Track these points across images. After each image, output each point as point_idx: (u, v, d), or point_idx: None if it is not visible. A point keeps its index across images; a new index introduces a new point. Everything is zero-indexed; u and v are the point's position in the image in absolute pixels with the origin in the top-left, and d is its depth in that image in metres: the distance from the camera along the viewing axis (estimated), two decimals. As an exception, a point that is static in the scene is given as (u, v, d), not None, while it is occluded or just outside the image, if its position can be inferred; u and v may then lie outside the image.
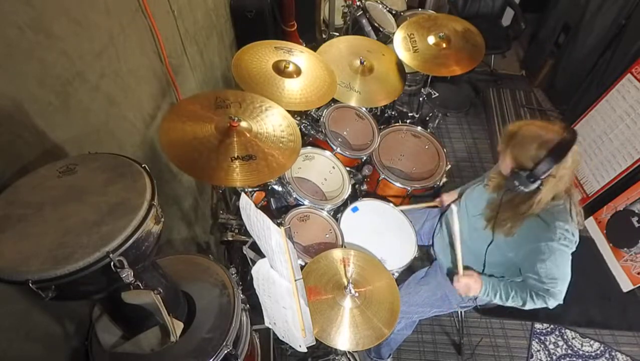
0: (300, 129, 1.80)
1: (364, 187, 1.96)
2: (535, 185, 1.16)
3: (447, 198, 1.76)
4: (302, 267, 1.36)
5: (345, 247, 1.56)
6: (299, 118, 1.96)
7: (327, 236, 1.66)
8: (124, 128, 1.22)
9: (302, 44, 2.36)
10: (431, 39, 2.00)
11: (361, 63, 1.95)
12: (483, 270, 1.45)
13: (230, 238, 1.71)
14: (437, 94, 2.32)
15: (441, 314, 1.64)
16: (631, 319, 2.21)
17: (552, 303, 1.29)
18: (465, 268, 1.45)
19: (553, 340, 2.14)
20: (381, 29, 2.43)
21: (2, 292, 0.77)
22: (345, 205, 1.74)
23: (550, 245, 1.22)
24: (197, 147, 1.18)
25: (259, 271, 1.15)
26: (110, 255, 0.66)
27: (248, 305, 1.25)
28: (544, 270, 1.24)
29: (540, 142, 1.13)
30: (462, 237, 1.48)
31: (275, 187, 1.70)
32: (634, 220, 2.24)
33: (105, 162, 0.82)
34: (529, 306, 1.32)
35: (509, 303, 1.36)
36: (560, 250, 1.22)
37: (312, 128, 1.93)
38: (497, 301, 1.37)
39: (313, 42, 2.81)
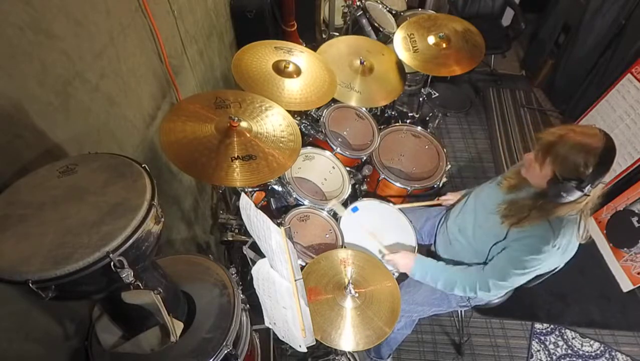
0: (300, 129, 1.80)
1: (364, 187, 1.96)
2: (580, 193, 1.14)
3: (452, 197, 1.77)
4: (302, 268, 1.36)
5: (345, 247, 1.56)
6: (299, 118, 1.96)
7: (327, 236, 1.66)
8: (124, 128, 1.22)
9: (302, 44, 2.36)
10: (431, 39, 2.00)
11: (361, 63, 1.95)
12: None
13: (230, 238, 1.71)
14: (437, 94, 2.32)
15: (441, 313, 1.65)
16: (631, 319, 2.21)
17: (480, 295, 1.37)
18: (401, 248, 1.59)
19: (553, 340, 2.14)
20: (381, 29, 2.43)
21: (2, 292, 0.77)
22: (345, 205, 1.74)
23: (541, 247, 1.23)
24: (197, 147, 1.18)
25: (259, 271, 1.15)
26: (110, 255, 0.66)
27: (248, 305, 1.25)
28: (505, 261, 1.29)
29: (587, 151, 1.10)
30: (467, 233, 1.49)
31: (275, 187, 1.70)
32: (634, 220, 2.24)
33: (105, 162, 0.82)
34: (458, 292, 1.42)
35: (438, 287, 1.46)
36: (547, 257, 1.24)
37: (312, 128, 1.93)
38: (427, 283, 1.48)
39: (313, 42, 2.81)
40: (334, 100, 1.89)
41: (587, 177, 1.10)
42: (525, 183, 1.30)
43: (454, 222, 1.59)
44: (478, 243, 1.45)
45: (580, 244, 1.28)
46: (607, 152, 1.10)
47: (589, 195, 1.15)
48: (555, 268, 1.35)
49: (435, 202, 1.84)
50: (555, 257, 1.25)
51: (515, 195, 1.34)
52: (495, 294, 1.37)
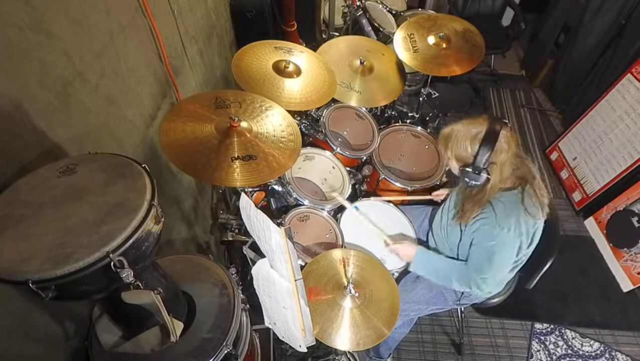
0: (300, 129, 1.80)
1: (364, 187, 1.96)
2: (484, 177, 1.22)
3: (443, 192, 1.81)
4: (302, 267, 1.36)
5: (345, 247, 1.56)
6: (299, 118, 1.96)
7: (327, 236, 1.66)
8: (124, 128, 1.22)
9: (302, 44, 2.36)
10: (431, 39, 2.00)
11: (361, 63, 1.95)
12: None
13: (230, 238, 1.71)
14: (437, 94, 2.32)
15: (438, 312, 1.65)
16: (631, 319, 2.21)
17: (475, 291, 1.37)
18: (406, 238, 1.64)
19: (553, 340, 2.14)
20: (381, 29, 2.43)
21: (2, 292, 0.77)
22: (345, 205, 1.74)
23: (492, 232, 1.27)
24: (197, 147, 1.18)
25: (259, 271, 1.15)
26: (110, 255, 0.66)
27: (248, 305, 1.25)
28: (476, 254, 1.33)
29: (471, 136, 1.22)
30: (444, 230, 1.54)
31: (275, 187, 1.70)
32: (634, 220, 2.24)
33: (105, 162, 0.82)
34: (455, 287, 1.42)
35: (437, 281, 1.48)
36: (502, 239, 1.26)
37: (312, 128, 1.93)
38: (425, 276, 1.50)
39: (313, 42, 2.81)
40: (334, 100, 1.89)
41: (476, 159, 1.19)
42: None
43: (437, 219, 1.62)
44: (449, 239, 1.49)
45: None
46: (489, 134, 1.19)
47: (489, 177, 1.22)
48: (521, 254, 1.36)
49: (427, 197, 1.84)
50: (510, 239, 1.27)
51: (463, 192, 1.41)
52: (489, 290, 1.38)
